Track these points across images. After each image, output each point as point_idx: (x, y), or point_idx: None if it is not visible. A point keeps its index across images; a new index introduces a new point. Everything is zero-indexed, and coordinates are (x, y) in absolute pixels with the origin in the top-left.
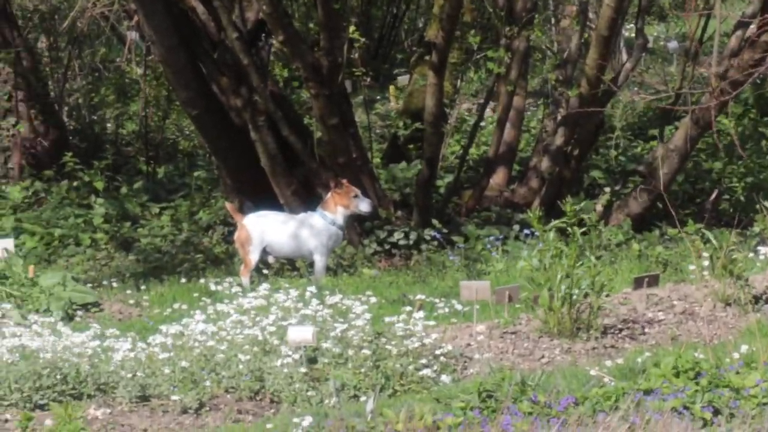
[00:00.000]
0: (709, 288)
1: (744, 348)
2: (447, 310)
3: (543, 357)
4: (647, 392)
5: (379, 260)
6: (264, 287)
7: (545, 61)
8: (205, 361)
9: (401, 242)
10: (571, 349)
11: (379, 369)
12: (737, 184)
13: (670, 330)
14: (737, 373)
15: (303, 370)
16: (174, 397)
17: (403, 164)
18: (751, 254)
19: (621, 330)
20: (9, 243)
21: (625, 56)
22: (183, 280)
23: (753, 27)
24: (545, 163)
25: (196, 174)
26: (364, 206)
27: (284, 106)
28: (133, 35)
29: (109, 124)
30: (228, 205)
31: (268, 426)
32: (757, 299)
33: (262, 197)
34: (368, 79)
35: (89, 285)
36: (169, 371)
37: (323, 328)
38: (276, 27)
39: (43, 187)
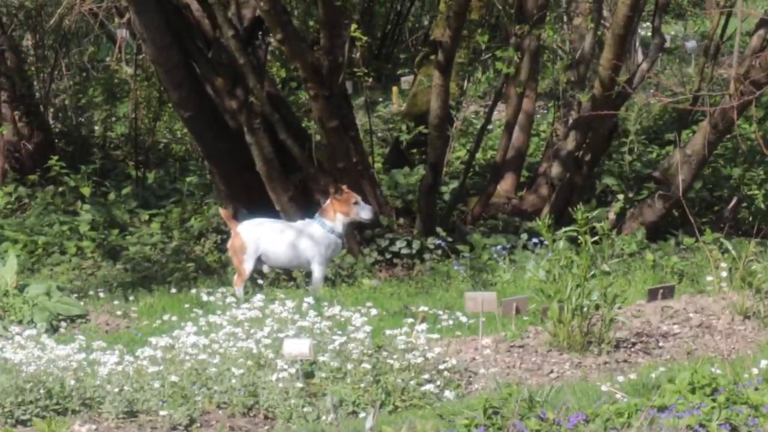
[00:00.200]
0: (727, 300)
1: (763, 363)
2: (451, 322)
3: (552, 372)
4: (661, 409)
5: (380, 270)
6: (259, 298)
7: (556, 62)
8: (196, 375)
9: (403, 251)
10: (581, 364)
11: (380, 384)
12: (757, 192)
13: (686, 344)
14: (756, 389)
15: (299, 384)
16: (163, 413)
17: (406, 169)
18: None
19: (634, 344)
20: None
21: (640, 56)
22: (173, 291)
23: None
24: (555, 169)
25: (187, 179)
26: (364, 213)
27: (282, 108)
28: (123, 33)
29: (96, 127)
30: (222, 212)
31: None
32: None
33: (257, 204)
34: (370, 80)
35: (75, 295)
36: (159, 386)
37: (321, 340)
38: (274, 25)
39: (26, 193)
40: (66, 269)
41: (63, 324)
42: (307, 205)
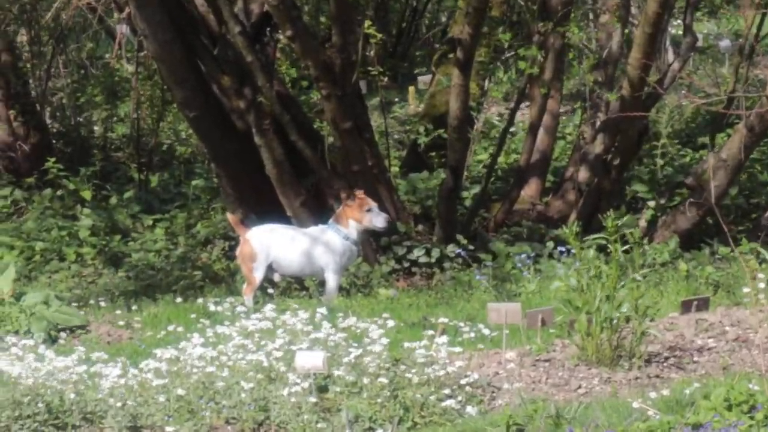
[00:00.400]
0: (764, 313)
1: None
2: (473, 335)
3: (580, 387)
4: (696, 427)
5: (398, 279)
6: (269, 308)
7: (583, 61)
8: (203, 389)
9: (422, 260)
10: (611, 379)
11: (397, 399)
12: None
13: (722, 359)
14: None
15: (312, 399)
16: (169, 429)
17: (425, 173)
18: None
19: (667, 358)
20: None
21: (671, 56)
22: (179, 300)
23: None
24: (583, 174)
25: (193, 183)
26: (378, 222)
27: (292, 109)
28: (123, 29)
29: (96, 127)
30: (230, 217)
31: None
32: None
33: (266, 209)
34: (385, 79)
35: (74, 304)
36: (164, 400)
37: (335, 353)
38: (283, 21)
39: (23, 196)
40: (65, 277)
41: (62, 335)
42: (319, 211)
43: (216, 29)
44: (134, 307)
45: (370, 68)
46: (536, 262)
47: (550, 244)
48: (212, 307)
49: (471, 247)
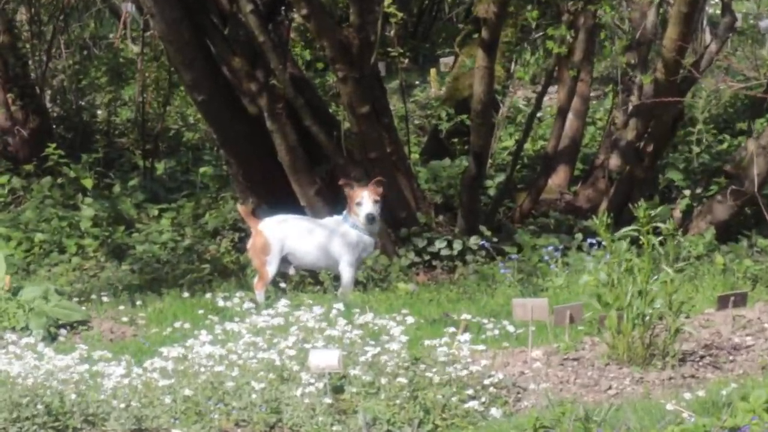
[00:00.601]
0: None
1: None
2: (497, 332)
3: (610, 388)
4: (733, 430)
5: (418, 273)
6: (282, 303)
7: (615, 42)
8: (211, 390)
9: (443, 252)
10: (643, 379)
11: (417, 400)
12: None
13: (761, 357)
14: None
15: (327, 400)
16: (175, 431)
17: (446, 161)
18: None
19: (702, 357)
20: None
21: (708, 37)
22: (186, 295)
23: None
24: (614, 161)
25: (201, 170)
26: (360, 216)
27: (306, 92)
28: (128, 7)
29: (99, 111)
30: (240, 208)
31: None
32: None
33: (279, 198)
34: (406, 61)
35: (75, 299)
36: (170, 401)
37: (351, 351)
38: None
39: (21, 184)
40: (65, 270)
41: (62, 331)
42: (335, 200)
43: (227, 8)
44: (139, 303)
45: (389, 49)
46: (564, 254)
47: (579, 236)
48: (221, 303)
49: (495, 239)
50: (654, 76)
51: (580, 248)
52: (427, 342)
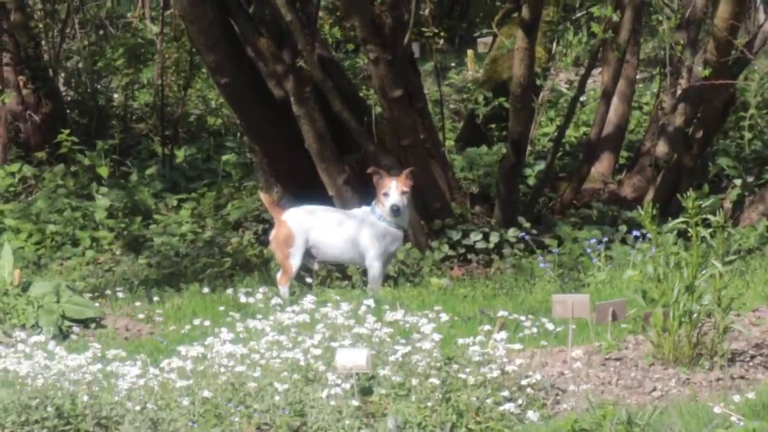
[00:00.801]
0: None
1: None
2: (535, 330)
3: (655, 390)
4: None
5: (452, 267)
6: (308, 300)
7: (663, 22)
8: (232, 391)
9: (479, 245)
10: (689, 381)
11: (450, 403)
12: None
13: None
14: None
15: (355, 402)
16: None
17: (483, 148)
18: None
19: (753, 357)
20: None
21: (762, 15)
22: (206, 290)
23: None
24: (661, 148)
25: (224, 158)
26: (386, 206)
27: (336, 74)
28: None
29: (116, 95)
30: (263, 197)
31: None
32: None
33: (305, 187)
34: (441, 42)
35: (89, 295)
36: (188, 403)
37: (380, 350)
38: None
39: (33, 173)
40: (78, 264)
41: (75, 329)
42: (365, 190)
43: None
44: (156, 299)
45: (423, 29)
46: (607, 248)
47: (623, 228)
48: (243, 299)
49: (534, 231)
50: (704, 57)
51: (624, 241)
52: (461, 341)
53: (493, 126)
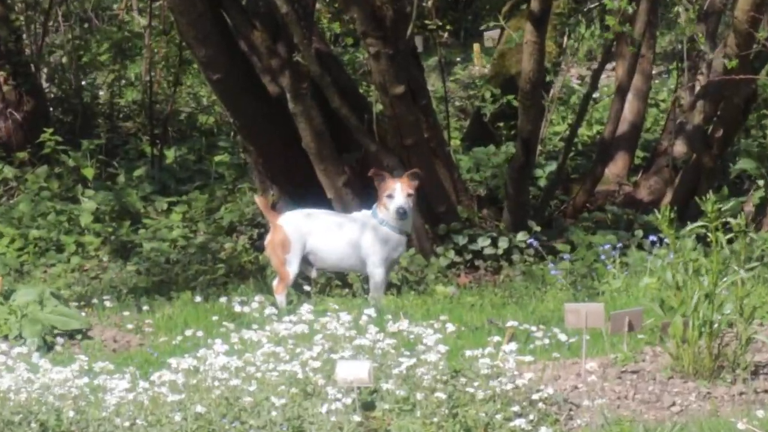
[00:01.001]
0: None
1: None
2: (547, 341)
3: (674, 404)
4: None
5: (458, 274)
6: (306, 309)
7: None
8: (227, 406)
9: (487, 251)
10: (711, 395)
11: (457, 418)
12: None
13: None
14: None
15: (357, 418)
16: None
17: (491, 147)
18: None
19: None
20: None
21: None
22: (198, 299)
23: None
24: (679, 148)
25: (216, 158)
26: (391, 210)
27: (334, 70)
28: None
29: (102, 92)
30: (258, 200)
31: None
32: None
33: (303, 190)
34: (445, 35)
35: (74, 304)
36: (180, 419)
37: (383, 363)
38: None
39: (14, 174)
40: (63, 271)
41: (59, 340)
42: (365, 193)
43: None
44: (145, 308)
45: (427, 22)
46: (623, 254)
47: (640, 233)
48: (238, 308)
49: (545, 236)
50: (724, 52)
51: (640, 246)
52: (468, 352)
53: (501, 124)
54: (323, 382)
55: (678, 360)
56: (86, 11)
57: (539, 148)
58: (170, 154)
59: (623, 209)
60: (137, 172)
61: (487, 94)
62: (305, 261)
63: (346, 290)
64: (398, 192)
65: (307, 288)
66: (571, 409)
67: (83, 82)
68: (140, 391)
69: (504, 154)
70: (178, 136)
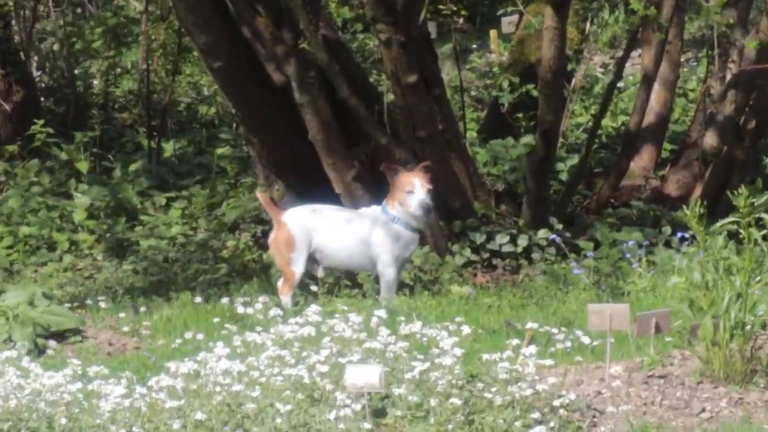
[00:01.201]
0: None
1: None
2: (569, 344)
3: (703, 411)
4: None
5: (475, 274)
6: (313, 310)
7: None
8: (229, 413)
9: (506, 249)
10: (743, 400)
11: (473, 426)
12: None
13: None
14: None
15: (367, 426)
16: None
17: (509, 140)
18: None
19: None
20: None
21: None
22: (198, 300)
23: None
24: (709, 140)
25: (218, 151)
26: (413, 207)
27: (343, 57)
28: None
29: (96, 81)
30: (261, 196)
31: None
32: None
33: (309, 184)
34: (461, 21)
35: (67, 305)
36: (179, 426)
37: (395, 367)
38: None
39: (4, 168)
40: (55, 270)
41: (52, 343)
42: (376, 188)
43: None
44: (142, 309)
45: (441, 6)
46: (649, 252)
47: (667, 230)
48: (241, 309)
49: (567, 233)
50: (757, 37)
51: (668, 244)
52: (485, 356)
53: (520, 115)
54: (331, 387)
55: (708, 364)
56: None
57: (560, 140)
58: (169, 147)
59: (650, 205)
60: (134, 166)
61: (505, 84)
62: (311, 259)
63: (356, 290)
64: (418, 187)
65: (314, 288)
66: (594, 416)
67: (76, 71)
68: (137, 397)
69: (523, 146)
70: (177, 128)
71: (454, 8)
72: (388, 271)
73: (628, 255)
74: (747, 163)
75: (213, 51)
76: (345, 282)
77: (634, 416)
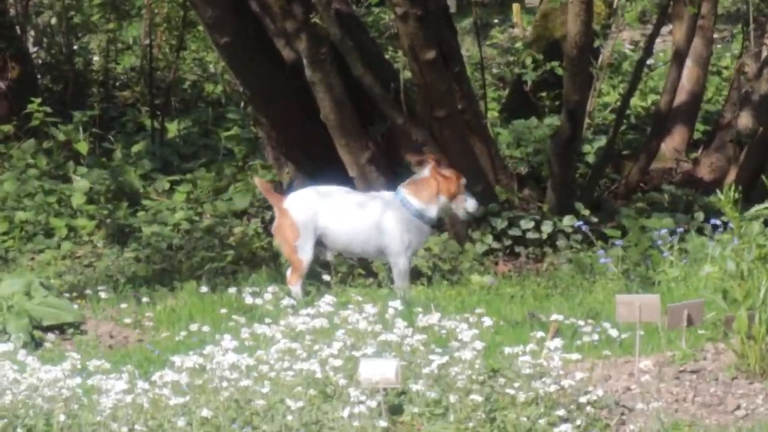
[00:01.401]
0: None
1: None
2: (596, 337)
3: (738, 408)
4: None
5: (496, 262)
6: (326, 301)
7: None
8: (236, 410)
9: (529, 235)
10: None
11: (495, 423)
12: None
13: None
14: None
15: (382, 423)
16: None
17: (533, 120)
18: None
19: None
20: None
21: None
22: (204, 289)
23: None
24: (744, 120)
25: (225, 133)
26: (470, 205)
27: (357, 33)
28: None
29: (96, 57)
30: (259, 182)
31: None
32: None
33: (321, 167)
34: None
35: (66, 295)
36: (184, 424)
37: (412, 361)
38: None
39: None
40: (53, 258)
41: (49, 336)
42: (393, 170)
43: None
44: (145, 300)
45: None
46: (681, 239)
47: (700, 216)
48: (249, 300)
49: (594, 219)
50: None
51: (700, 231)
52: (507, 350)
53: (544, 94)
54: (345, 382)
55: (743, 358)
56: None
57: (587, 120)
58: (173, 128)
59: (681, 189)
60: (136, 148)
61: (529, 60)
62: (319, 244)
63: (371, 279)
64: (463, 188)
65: (326, 277)
66: (623, 414)
67: (75, 47)
68: (139, 392)
69: (547, 127)
70: (182, 107)
71: None
72: (400, 261)
73: (658, 242)
74: None
75: (219, 25)
76: (359, 271)
77: (664, 413)
